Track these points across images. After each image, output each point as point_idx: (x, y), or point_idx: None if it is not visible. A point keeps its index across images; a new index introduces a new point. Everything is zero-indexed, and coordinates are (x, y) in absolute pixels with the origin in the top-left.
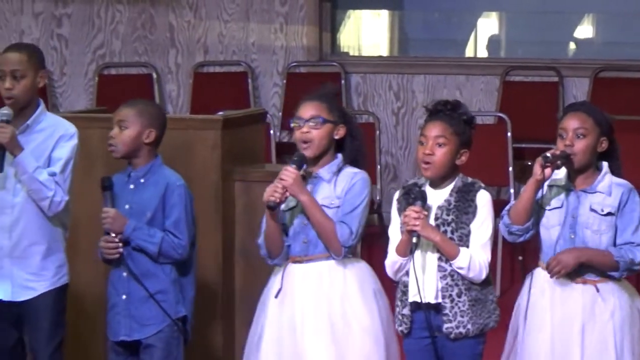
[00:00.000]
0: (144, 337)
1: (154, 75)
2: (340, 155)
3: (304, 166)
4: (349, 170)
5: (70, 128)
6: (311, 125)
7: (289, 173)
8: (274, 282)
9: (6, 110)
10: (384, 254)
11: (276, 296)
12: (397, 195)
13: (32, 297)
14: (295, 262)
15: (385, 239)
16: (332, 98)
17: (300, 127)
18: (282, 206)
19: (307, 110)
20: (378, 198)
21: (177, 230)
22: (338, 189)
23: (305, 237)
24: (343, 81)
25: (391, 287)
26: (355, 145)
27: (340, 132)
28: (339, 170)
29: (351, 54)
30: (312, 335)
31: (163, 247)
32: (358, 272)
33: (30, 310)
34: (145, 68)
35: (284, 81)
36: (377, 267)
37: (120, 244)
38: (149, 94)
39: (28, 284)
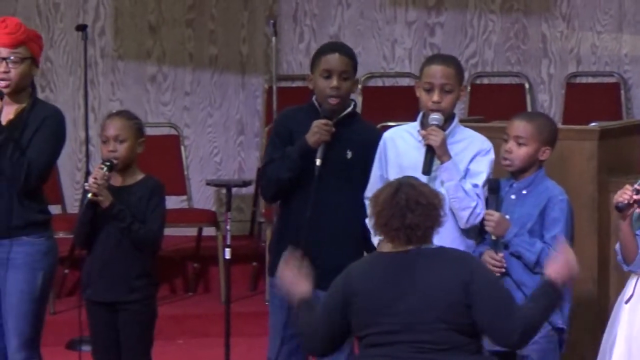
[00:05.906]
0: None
1: (526, 86)
2: None
3: None
4: None
5: (486, 143)
6: None
7: None
8: (628, 288)
9: (437, 116)
10: None
11: (626, 302)
12: None
13: None
14: None
15: None
16: None
17: None
18: None
19: None
20: None
21: None
22: None
23: None
24: None
25: None
26: None
27: None
28: None
29: None
30: None
31: (542, 257)
32: None
33: None
34: (517, 78)
35: None
36: None
37: (504, 263)
38: (521, 104)
39: None
